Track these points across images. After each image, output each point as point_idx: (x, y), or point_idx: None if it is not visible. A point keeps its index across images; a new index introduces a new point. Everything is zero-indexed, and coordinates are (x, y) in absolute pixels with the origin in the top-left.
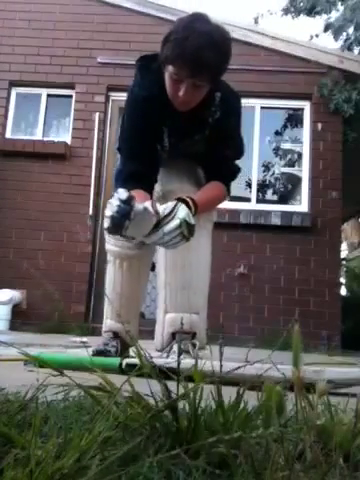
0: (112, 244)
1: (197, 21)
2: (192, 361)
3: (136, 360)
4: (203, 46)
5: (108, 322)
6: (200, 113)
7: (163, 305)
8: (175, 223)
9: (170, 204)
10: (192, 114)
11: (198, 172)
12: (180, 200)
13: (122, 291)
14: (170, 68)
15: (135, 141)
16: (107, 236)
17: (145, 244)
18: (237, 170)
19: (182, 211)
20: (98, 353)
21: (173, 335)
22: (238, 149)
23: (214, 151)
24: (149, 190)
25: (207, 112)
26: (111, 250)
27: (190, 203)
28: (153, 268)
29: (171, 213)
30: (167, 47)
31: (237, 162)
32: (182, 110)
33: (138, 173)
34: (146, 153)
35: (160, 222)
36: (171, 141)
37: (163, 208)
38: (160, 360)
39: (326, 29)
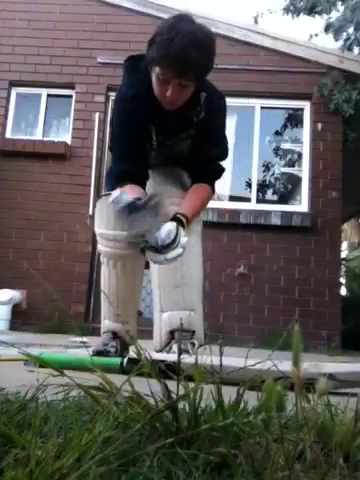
0: (104, 245)
1: (181, 22)
2: (192, 359)
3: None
4: (188, 46)
5: (106, 323)
6: (186, 112)
7: (158, 305)
8: (178, 252)
9: (172, 229)
10: (178, 113)
11: (183, 176)
12: (176, 220)
13: (118, 291)
14: (156, 69)
15: (125, 140)
16: (99, 237)
17: (136, 244)
18: (222, 170)
19: (184, 239)
20: (98, 353)
21: (171, 334)
22: (223, 149)
23: (199, 151)
24: (142, 186)
25: (192, 111)
26: (103, 251)
27: (184, 222)
28: (147, 266)
29: (175, 241)
30: (153, 49)
31: (221, 163)
32: (170, 109)
33: (129, 171)
34: (135, 152)
35: (162, 248)
36: (159, 139)
37: (165, 233)
38: (160, 356)
39: (326, 29)
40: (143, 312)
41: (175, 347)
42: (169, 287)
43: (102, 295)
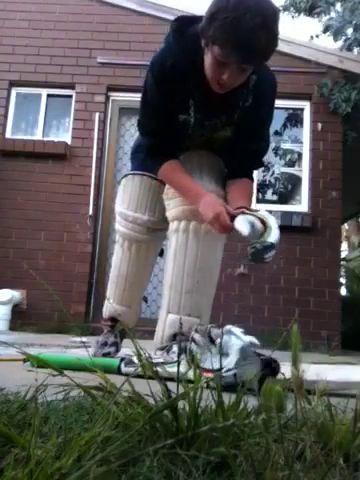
0: (123, 225)
1: None
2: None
3: (132, 369)
4: (257, 29)
5: (108, 306)
6: (232, 93)
7: (166, 305)
8: (273, 252)
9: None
10: (223, 93)
11: (221, 167)
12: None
13: (127, 275)
14: (216, 50)
15: (156, 114)
16: (118, 216)
17: (155, 231)
18: (261, 165)
19: (274, 233)
20: (104, 354)
21: (174, 337)
22: (266, 145)
23: (241, 142)
24: (174, 157)
25: (240, 94)
26: (121, 231)
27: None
28: (162, 253)
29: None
30: (214, 26)
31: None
32: (220, 92)
33: (163, 147)
34: (165, 129)
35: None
36: (197, 117)
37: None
38: (159, 358)
39: (325, 30)
40: (147, 297)
41: (175, 348)
42: (181, 291)
43: (111, 275)
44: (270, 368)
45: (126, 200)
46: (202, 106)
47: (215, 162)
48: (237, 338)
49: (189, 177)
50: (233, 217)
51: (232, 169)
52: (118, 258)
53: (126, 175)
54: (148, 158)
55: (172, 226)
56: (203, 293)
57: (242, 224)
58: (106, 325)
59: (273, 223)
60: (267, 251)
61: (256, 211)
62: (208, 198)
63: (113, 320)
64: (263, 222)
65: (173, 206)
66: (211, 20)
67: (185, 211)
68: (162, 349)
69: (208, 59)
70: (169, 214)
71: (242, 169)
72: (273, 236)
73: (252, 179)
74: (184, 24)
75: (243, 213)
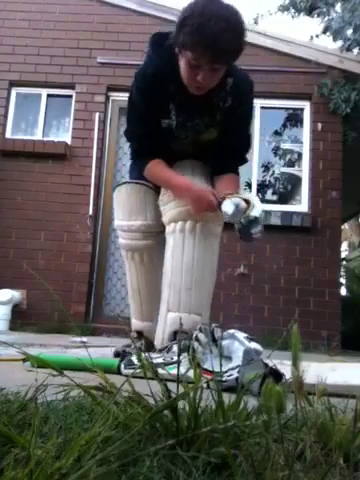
0: (121, 237)
1: (211, 3)
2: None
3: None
4: (222, 32)
5: (133, 321)
6: (210, 95)
7: (166, 304)
8: (260, 227)
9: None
10: (202, 95)
11: (208, 170)
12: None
13: (139, 286)
14: (188, 54)
15: (139, 123)
16: (117, 231)
17: (151, 234)
18: (245, 161)
19: (257, 207)
20: (116, 355)
21: (175, 334)
22: (247, 142)
23: (224, 140)
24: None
25: (217, 96)
26: (122, 243)
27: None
28: None
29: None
30: (184, 33)
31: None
32: (197, 93)
33: (146, 149)
34: (151, 133)
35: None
36: (179, 120)
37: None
38: (159, 359)
39: (325, 31)
40: None
41: (175, 347)
42: (180, 288)
43: (128, 294)
44: (274, 375)
45: (118, 212)
46: (183, 108)
47: (206, 171)
48: (240, 343)
49: (174, 172)
50: (219, 203)
51: (218, 166)
52: (128, 272)
53: (115, 188)
54: (136, 162)
55: (169, 228)
56: (202, 290)
57: (227, 206)
58: (133, 335)
59: (256, 201)
60: (252, 226)
61: (240, 194)
62: (197, 186)
63: (139, 332)
64: (247, 202)
65: (168, 209)
66: (180, 28)
67: (181, 212)
68: (163, 349)
69: (182, 64)
70: (165, 218)
71: (227, 166)
72: (256, 211)
73: (238, 174)
74: (161, 38)
75: (228, 197)
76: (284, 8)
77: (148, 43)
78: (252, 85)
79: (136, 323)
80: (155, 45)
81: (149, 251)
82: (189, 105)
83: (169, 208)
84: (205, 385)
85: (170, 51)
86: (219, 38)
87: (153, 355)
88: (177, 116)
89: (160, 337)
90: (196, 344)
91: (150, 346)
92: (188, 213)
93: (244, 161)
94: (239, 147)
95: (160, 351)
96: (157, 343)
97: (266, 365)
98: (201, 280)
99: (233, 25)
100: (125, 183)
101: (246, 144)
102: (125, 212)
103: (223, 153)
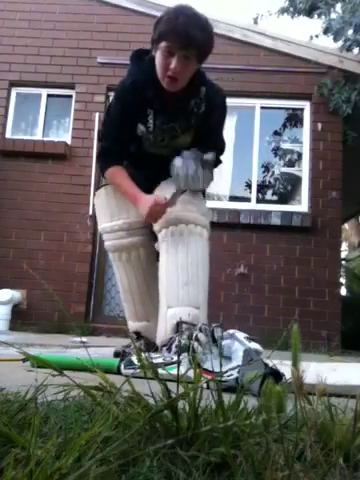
0: (106, 239)
1: (184, 8)
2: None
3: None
4: (192, 24)
5: (129, 323)
6: (186, 100)
7: (165, 301)
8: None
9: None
10: (178, 100)
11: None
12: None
13: (130, 286)
14: (162, 43)
15: (114, 126)
16: (103, 235)
17: (135, 232)
18: (219, 162)
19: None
20: (116, 355)
21: (177, 326)
22: (222, 145)
23: (201, 145)
24: (121, 163)
25: (192, 102)
26: (108, 245)
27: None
28: (158, 258)
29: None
30: (159, 27)
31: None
32: (171, 89)
33: (113, 152)
34: (123, 138)
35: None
36: (156, 123)
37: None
38: (159, 359)
39: (325, 31)
40: None
41: (175, 346)
42: (177, 285)
43: (121, 297)
44: (274, 375)
45: (100, 216)
46: (160, 112)
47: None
48: (240, 343)
49: (130, 181)
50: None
51: None
52: (117, 274)
53: (96, 191)
54: (100, 158)
55: (160, 236)
56: (199, 285)
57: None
58: (131, 336)
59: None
60: (185, 180)
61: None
62: (143, 198)
63: (137, 333)
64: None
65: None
66: (156, 24)
67: (170, 219)
68: (166, 344)
69: (158, 59)
70: (156, 227)
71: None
72: (180, 179)
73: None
74: (142, 53)
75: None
76: (284, 10)
77: (129, 59)
78: (224, 95)
79: (132, 324)
80: (135, 58)
81: (135, 248)
82: (166, 110)
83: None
84: (205, 385)
85: (149, 62)
86: (190, 27)
87: (153, 355)
88: (154, 119)
89: (162, 333)
90: (196, 344)
91: (150, 346)
92: (177, 218)
93: (219, 162)
94: (214, 149)
95: (164, 345)
96: (159, 339)
97: (266, 365)
98: (196, 277)
99: (202, 23)
100: (103, 186)
101: (221, 147)
102: (106, 214)
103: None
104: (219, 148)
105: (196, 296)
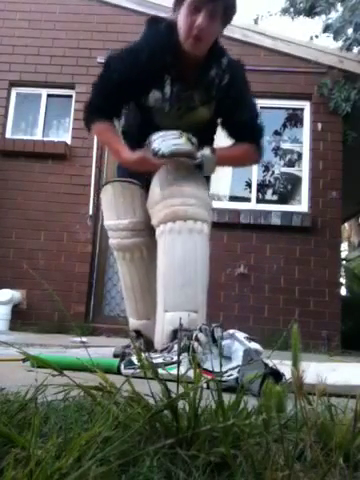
0: (111, 237)
1: None
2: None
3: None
4: None
5: (130, 320)
6: (206, 69)
7: (162, 304)
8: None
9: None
10: (198, 68)
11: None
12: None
13: (133, 286)
14: (188, 0)
15: (111, 83)
16: (108, 232)
17: (140, 232)
18: (261, 128)
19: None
20: (115, 356)
21: (174, 333)
22: (254, 109)
23: (232, 118)
24: (111, 121)
25: (213, 72)
26: (113, 244)
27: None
28: None
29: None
30: None
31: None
32: (194, 50)
33: (103, 107)
34: (115, 97)
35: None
36: (173, 89)
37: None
38: (159, 359)
39: (325, 30)
40: None
41: (176, 347)
42: (174, 287)
43: (123, 294)
44: (274, 375)
45: (106, 212)
46: (178, 80)
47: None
48: (240, 343)
49: (117, 138)
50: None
51: (236, 140)
52: (120, 272)
53: (102, 187)
54: (87, 111)
55: (158, 230)
56: (197, 286)
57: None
58: (131, 335)
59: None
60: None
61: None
62: (130, 154)
63: (138, 331)
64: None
65: (156, 212)
66: None
67: (167, 214)
68: (164, 350)
69: (182, 18)
70: (154, 220)
71: (243, 138)
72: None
73: (255, 142)
74: (158, 19)
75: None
76: (284, 10)
77: (145, 24)
78: (245, 68)
79: (133, 322)
80: (151, 22)
81: (139, 249)
82: (184, 78)
83: (157, 210)
84: (205, 385)
85: (167, 27)
86: None
87: (153, 355)
88: (172, 86)
89: (159, 338)
90: (196, 344)
91: (149, 344)
92: (175, 214)
93: (260, 131)
94: (247, 120)
95: (161, 351)
96: (157, 344)
97: (266, 365)
98: (194, 277)
99: None
100: (111, 182)
101: (254, 116)
102: (112, 211)
103: (234, 129)
104: (255, 115)
105: (194, 298)
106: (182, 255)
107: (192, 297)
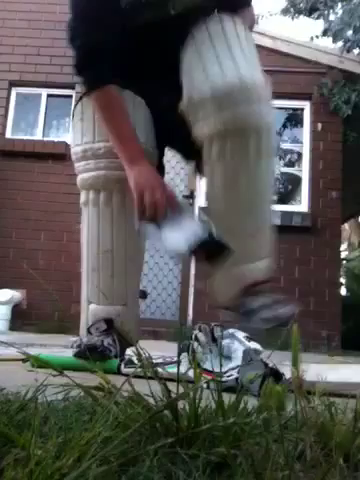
0: (80, 172)
1: None
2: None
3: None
4: None
5: (92, 308)
6: None
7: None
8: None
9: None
10: None
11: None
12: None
13: (111, 243)
14: None
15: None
16: (75, 163)
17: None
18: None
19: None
20: (91, 349)
21: (249, 289)
22: None
23: None
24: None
25: None
26: (79, 181)
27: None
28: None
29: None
30: None
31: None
32: None
33: (99, 49)
34: (107, 15)
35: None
36: None
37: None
38: (159, 359)
39: (325, 33)
40: (149, 293)
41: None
42: (242, 237)
43: (83, 266)
44: (274, 375)
45: (77, 134)
46: None
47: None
48: (240, 343)
49: (129, 124)
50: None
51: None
52: (86, 229)
53: (75, 107)
54: (82, 67)
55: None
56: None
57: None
58: (96, 330)
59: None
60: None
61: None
62: (144, 168)
63: (109, 321)
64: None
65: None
66: None
67: (226, 122)
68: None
69: None
70: (197, 132)
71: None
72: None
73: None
74: None
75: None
76: (285, 10)
77: None
78: None
79: (100, 309)
80: None
81: (119, 189)
82: None
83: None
84: (205, 385)
85: None
86: None
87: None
88: None
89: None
90: (196, 344)
91: (122, 343)
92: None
93: None
94: None
95: (228, 308)
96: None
97: (266, 365)
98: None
99: None
100: (95, 89)
101: None
102: (89, 129)
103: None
104: None
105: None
106: (246, 187)
107: (265, 244)
